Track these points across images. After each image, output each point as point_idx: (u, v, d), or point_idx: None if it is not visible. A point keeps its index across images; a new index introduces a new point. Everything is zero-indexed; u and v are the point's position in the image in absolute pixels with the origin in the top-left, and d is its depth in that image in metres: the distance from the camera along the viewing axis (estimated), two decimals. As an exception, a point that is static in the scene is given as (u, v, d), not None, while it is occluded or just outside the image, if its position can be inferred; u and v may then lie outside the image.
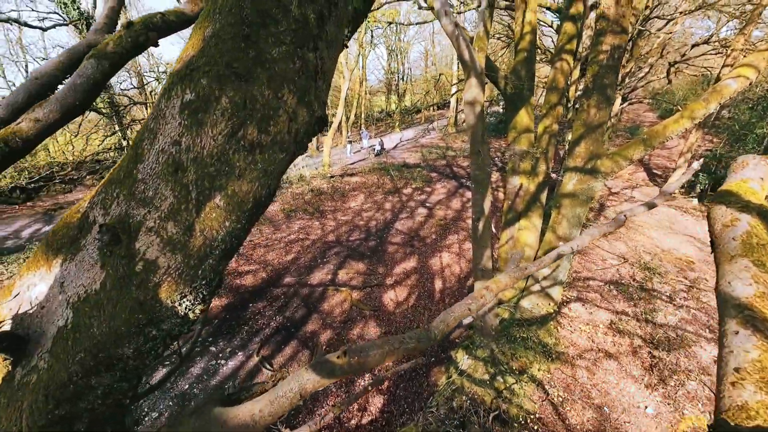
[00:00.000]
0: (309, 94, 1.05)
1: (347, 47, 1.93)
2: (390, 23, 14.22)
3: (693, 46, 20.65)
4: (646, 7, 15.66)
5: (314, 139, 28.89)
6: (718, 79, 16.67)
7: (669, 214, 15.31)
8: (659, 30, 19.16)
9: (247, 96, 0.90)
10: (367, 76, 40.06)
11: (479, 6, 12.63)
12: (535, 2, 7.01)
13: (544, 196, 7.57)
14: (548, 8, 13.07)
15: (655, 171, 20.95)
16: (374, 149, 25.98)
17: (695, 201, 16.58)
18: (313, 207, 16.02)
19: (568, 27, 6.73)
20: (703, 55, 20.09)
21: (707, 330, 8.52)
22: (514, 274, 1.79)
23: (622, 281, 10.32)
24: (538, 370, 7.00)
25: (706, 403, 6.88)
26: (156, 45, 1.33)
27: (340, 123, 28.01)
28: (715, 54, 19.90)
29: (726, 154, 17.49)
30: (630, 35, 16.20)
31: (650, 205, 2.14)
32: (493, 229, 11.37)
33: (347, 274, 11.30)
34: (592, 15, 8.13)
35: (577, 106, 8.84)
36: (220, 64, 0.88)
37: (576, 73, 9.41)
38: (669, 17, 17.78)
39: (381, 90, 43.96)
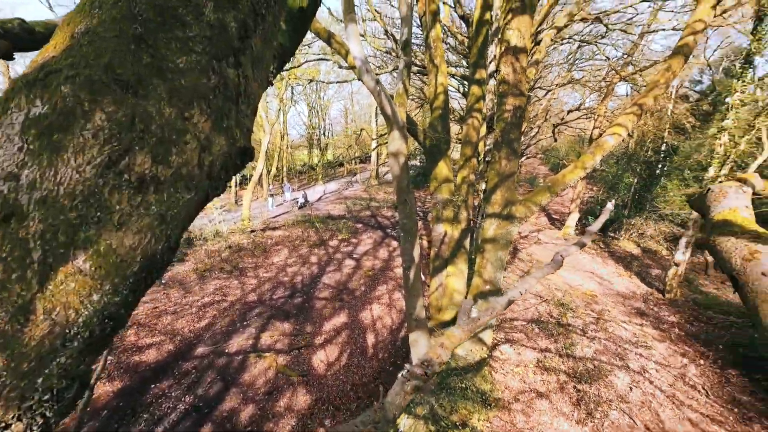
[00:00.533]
0: (228, 119, 0.82)
1: (272, 84, 1.76)
2: (311, 81, 14.64)
3: (569, 111, 24.81)
4: (533, 78, 18.59)
5: (233, 193, 27.46)
6: (591, 138, 20.00)
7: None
8: (542, 98, 22.86)
9: (137, 113, 0.64)
10: (288, 130, 40.35)
11: (396, 69, 13.75)
12: (445, 67, 7.77)
13: (467, 242, 7.88)
14: (453, 75, 14.74)
15: (553, 216, 23.66)
16: (297, 202, 25.48)
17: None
18: (231, 265, 14.73)
19: (475, 90, 7.53)
20: (577, 119, 24.14)
21: (617, 359, 9.26)
22: (468, 326, 1.63)
23: (542, 319, 10.95)
24: (479, 420, 6.80)
25: (627, 431, 7.25)
26: (10, 58, 1.00)
27: (261, 176, 27.22)
28: (586, 119, 24.09)
29: (605, 198, 20.52)
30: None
31: (581, 244, 2.22)
32: (422, 277, 11.46)
33: (271, 337, 10.27)
34: (492, 82, 9.25)
35: (488, 158, 9.69)
36: (96, 67, 0.62)
37: (483, 130, 10.45)
38: (548, 88, 21.23)
39: (303, 144, 44.38)
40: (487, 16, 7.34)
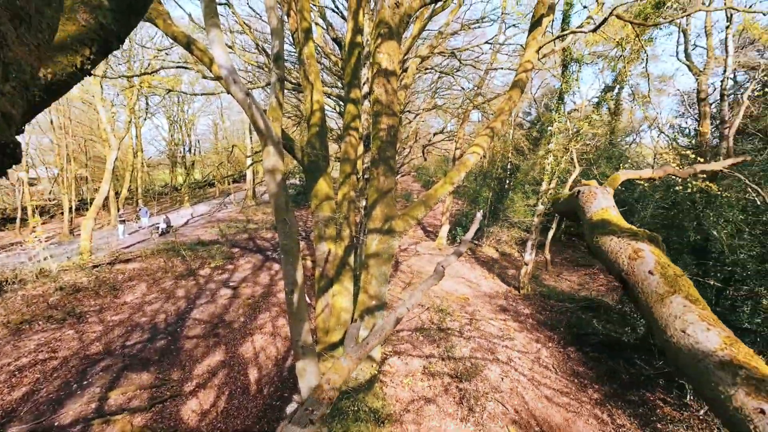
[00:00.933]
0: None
1: (91, 75, 1.34)
2: (169, 91, 12.98)
3: (435, 134, 27.66)
4: (403, 101, 20.14)
5: (66, 221, 22.25)
6: (454, 158, 22.56)
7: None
8: (412, 120, 24.97)
9: None
10: (144, 146, 35.19)
11: (269, 84, 13.19)
12: (320, 85, 7.73)
13: (352, 259, 7.84)
14: (329, 96, 14.93)
15: (428, 228, 25.70)
16: (158, 228, 22.12)
17: (458, 249, 21.05)
18: (63, 311, 11.71)
19: (351, 108, 7.66)
20: (442, 140, 27.07)
21: (489, 353, 10.32)
22: (357, 353, 1.45)
23: (425, 326, 11.58)
24: (373, 441, 6.66)
25: (503, 418, 8.04)
26: None
27: (107, 199, 22.93)
28: (449, 140, 27.17)
29: (469, 211, 23.23)
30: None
31: (458, 254, 2.29)
32: (308, 299, 10.98)
33: (124, 394, 8.41)
34: (368, 103, 9.60)
35: (367, 176, 9.94)
36: None
37: (361, 149, 10.75)
38: (416, 112, 23.26)
39: (164, 162, 39.12)
40: (359, 39, 7.60)
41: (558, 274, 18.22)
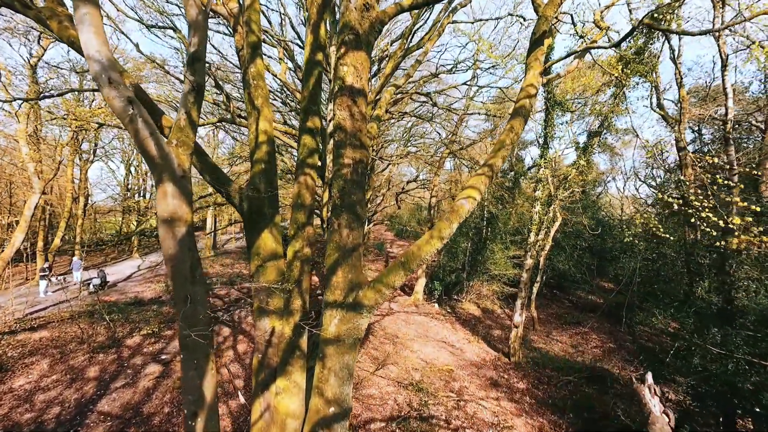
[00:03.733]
0: None
1: None
2: (100, 126, 11.01)
3: (408, 182, 26.66)
4: (378, 143, 18.98)
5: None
6: (430, 205, 21.26)
7: (422, 321, 16.62)
8: (385, 169, 23.91)
9: None
10: (92, 190, 32.19)
11: (221, 120, 11.48)
12: (270, 112, 6.07)
13: (304, 341, 5.73)
14: (286, 133, 13.20)
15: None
16: (91, 284, 18.93)
17: (436, 306, 19.02)
18: None
19: (307, 140, 5.98)
20: (415, 188, 26.01)
21: (485, 452, 8.08)
22: None
23: (402, 413, 9.24)
24: None
25: None
26: None
27: (26, 250, 19.71)
28: (423, 188, 26.14)
29: (447, 264, 21.55)
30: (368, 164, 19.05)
31: None
32: (242, 398, 8.52)
33: None
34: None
35: (326, 226, 8.11)
36: None
37: (326, 196, 9.06)
38: (389, 159, 22.19)
39: (116, 209, 35.81)
40: (319, 56, 6.16)
41: (547, 333, 16.44)
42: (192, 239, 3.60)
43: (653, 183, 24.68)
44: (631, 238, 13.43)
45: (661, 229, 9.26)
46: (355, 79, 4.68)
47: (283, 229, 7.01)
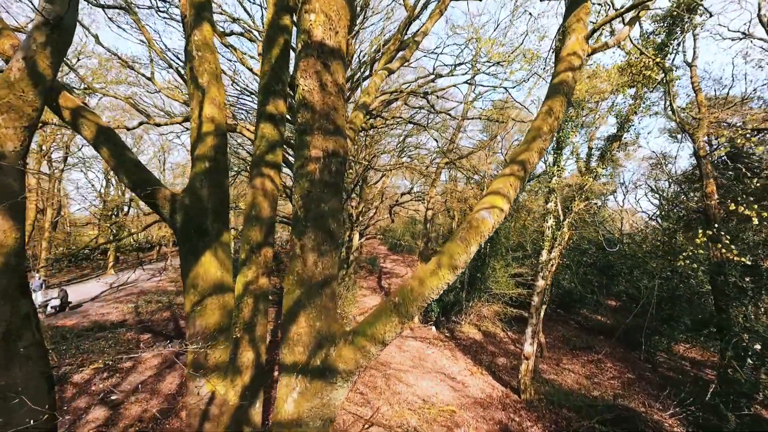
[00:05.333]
0: None
1: None
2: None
3: (402, 194, 25.22)
4: (370, 153, 17.52)
5: None
6: (426, 219, 19.73)
7: (418, 347, 14.91)
8: (378, 181, 22.46)
9: None
10: (68, 202, 30.42)
11: (187, 119, 9.90)
12: (218, 93, 4.53)
13: (258, 413, 4.07)
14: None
15: (396, 301, 21.88)
16: (48, 306, 16.99)
17: (434, 329, 17.31)
18: None
19: (267, 130, 4.43)
20: (410, 200, 24.56)
21: None
22: None
23: (396, 474, 7.51)
24: None
25: None
26: None
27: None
28: (417, 201, 24.71)
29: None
30: (358, 176, 17.55)
31: None
32: None
33: None
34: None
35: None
36: None
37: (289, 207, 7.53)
38: (383, 170, 20.73)
39: (92, 221, 33.85)
40: (285, 20, 4.67)
41: (557, 362, 14.80)
42: (14, 278, 2.02)
43: (656, 195, 23.53)
44: (641, 255, 12.04)
45: (700, 252, 7.82)
46: (327, 33, 3.17)
47: (235, 252, 5.41)
